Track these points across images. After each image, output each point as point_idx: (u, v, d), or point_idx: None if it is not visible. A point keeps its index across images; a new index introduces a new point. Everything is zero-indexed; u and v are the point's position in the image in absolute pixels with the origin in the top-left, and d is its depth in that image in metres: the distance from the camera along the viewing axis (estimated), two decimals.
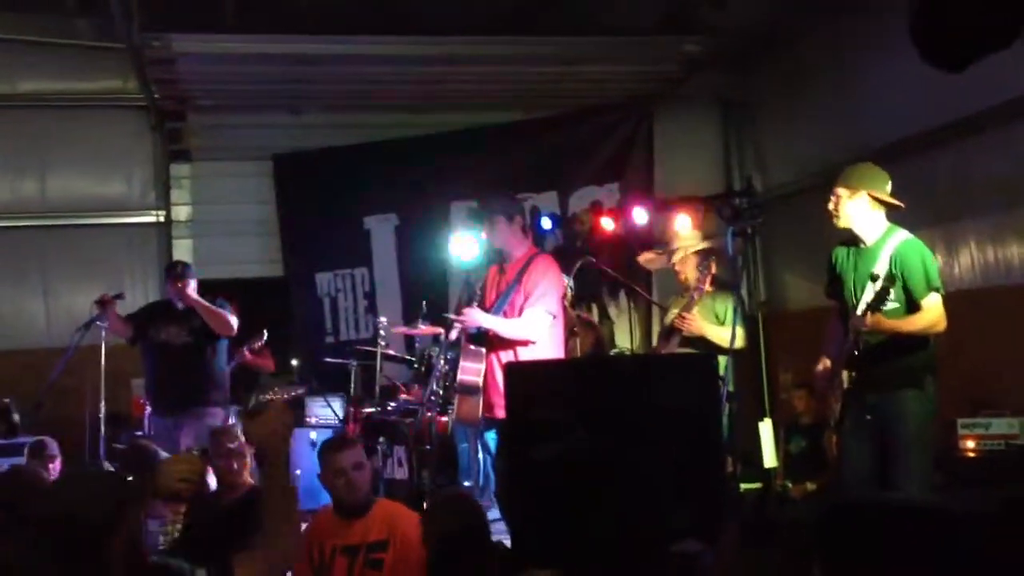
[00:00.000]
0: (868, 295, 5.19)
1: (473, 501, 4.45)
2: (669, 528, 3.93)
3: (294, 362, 10.16)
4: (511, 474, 4.59)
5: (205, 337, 7.53)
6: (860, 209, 5.35)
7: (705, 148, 10.56)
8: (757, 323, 6.45)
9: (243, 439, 5.46)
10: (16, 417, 4.96)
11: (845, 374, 5.40)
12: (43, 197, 9.67)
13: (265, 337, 8.89)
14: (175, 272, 7.66)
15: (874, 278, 5.07)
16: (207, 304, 7.46)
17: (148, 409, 7.85)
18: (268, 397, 3.17)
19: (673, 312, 6.71)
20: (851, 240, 5.51)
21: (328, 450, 4.86)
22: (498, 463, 5.97)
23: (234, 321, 7.57)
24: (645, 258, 7.77)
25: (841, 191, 5.36)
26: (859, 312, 5.14)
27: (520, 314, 6.05)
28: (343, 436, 5.34)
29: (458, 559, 4.02)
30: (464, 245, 8.47)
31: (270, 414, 3.08)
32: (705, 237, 7.05)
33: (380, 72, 9.22)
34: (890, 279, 5.05)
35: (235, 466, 5.37)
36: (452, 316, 6.21)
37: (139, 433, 7.95)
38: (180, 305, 7.58)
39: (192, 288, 7.58)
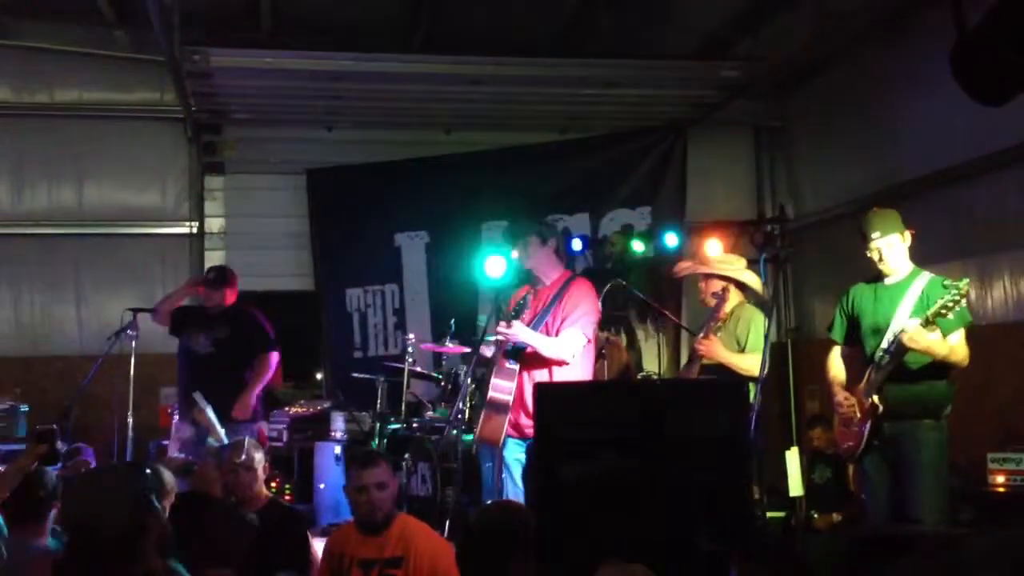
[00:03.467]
0: (909, 325, 5.21)
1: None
2: (696, 553, 3.91)
3: (319, 375, 10.21)
4: (538, 494, 4.58)
5: (231, 350, 7.41)
6: (905, 250, 5.47)
7: (738, 174, 10.55)
8: (786, 351, 6.38)
9: (253, 454, 5.46)
10: (60, 445, 4.99)
11: (858, 404, 5.41)
12: (79, 206, 9.77)
13: None
14: (207, 279, 7.68)
15: (947, 287, 5.06)
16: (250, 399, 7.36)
17: (175, 417, 7.83)
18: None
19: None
20: (874, 278, 5.59)
21: (353, 464, 4.79)
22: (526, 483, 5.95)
23: (273, 358, 7.49)
24: (680, 266, 7.61)
25: (895, 237, 5.41)
26: (917, 321, 5.11)
27: (557, 335, 6.02)
28: (370, 452, 5.24)
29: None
30: (494, 265, 8.47)
31: None
32: (749, 265, 6.85)
33: (415, 90, 9.26)
34: (958, 289, 5.03)
35: (243, 480, 5.39)
36: (499, 328, 6.10)
37: (164, 443, 7.97)
38: (213, 311, 7.56)
39: (227, 294, 7.57)
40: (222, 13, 8.66)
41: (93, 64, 9.64)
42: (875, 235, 5.41)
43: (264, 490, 5.47)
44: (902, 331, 5.17)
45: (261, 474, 5.45)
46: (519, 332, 5.94)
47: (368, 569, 4.55)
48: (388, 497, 4.70)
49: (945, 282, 5.15)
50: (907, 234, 5.45)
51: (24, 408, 8.53)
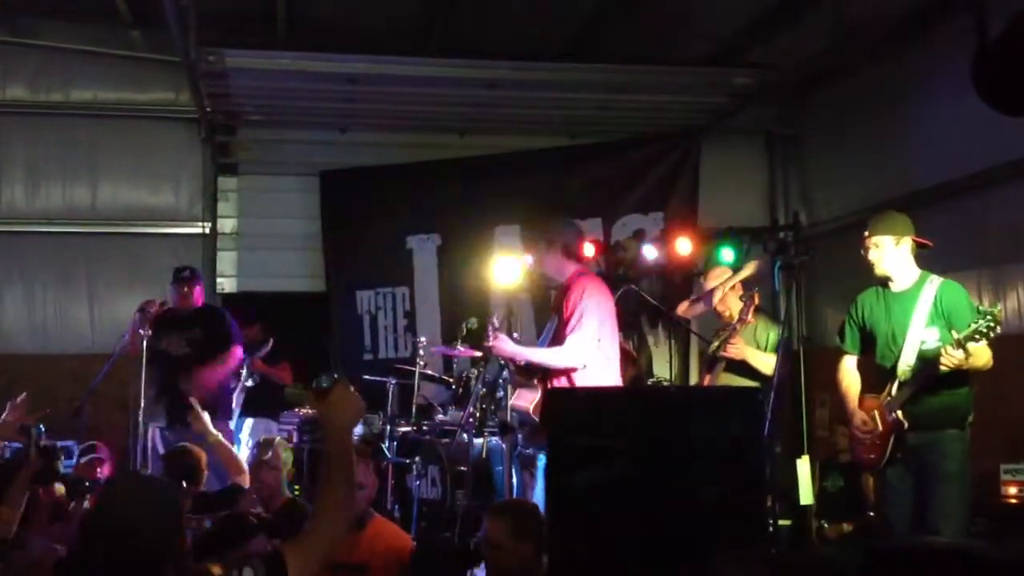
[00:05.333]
0: (927, 335, 5.22)
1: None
2: (706, 562, 3.90)
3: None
4: (549, 499, 4.58)
5: (205, 349, 7.44)
6: (903, 255, 5.43)
7: (751, 180, 10.53)
8: (798, 358, 6.40)
9: (280, 453, 5.51)
10: (42, 441, 4.96)
11: (879, 416, 5.39)
12: (93, 205, 9.80)
13: (271, 345, 8.89)
14: (181, 278, 7.71)
15: (982, 314, 4.99)
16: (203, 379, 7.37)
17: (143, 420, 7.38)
18: (333, 376, 3.07)
19: (716, 343, 6.73)
20: (881, 285, 5.55)
21: None
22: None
23: (234, 355, 7.54)
24: (683, 309, 7.80)
25: (884, 239, 5.41)
26: (950, 346, 5.06)
27: (561, 341, 5.91)
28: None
29: None
30: (505, 269, 8.49)
31: (339, 392, 3.04)
32: (735, 268, 7.05)
33: (429, 93, 9.26)
34: (992, 316, 4.98)
35: (266, 479, 5.43)
36: (485, 344, 6.12)
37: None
38: (184, 312, 7.62)
39: (197, 294, 7.67)
40: (238, 14, 8.68)
41: (109, 64, 9.67)
42: (865, 232, 5.46)
43: (285, 490, 5.51)
44: (937, 355, 5.10)
45: (283, 475, 5.48)
46: (504, 347, 5.90)
47: (334, 573, 4.39)
48: (364, 498, 4.59)
49: (980, 307, 5.06)
50: (905, 240, 5.40)
51: None
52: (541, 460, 6.05)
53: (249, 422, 8.82)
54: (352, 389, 3.06)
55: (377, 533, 4.59)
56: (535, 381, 5.98)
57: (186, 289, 7.62)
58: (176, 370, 7.39)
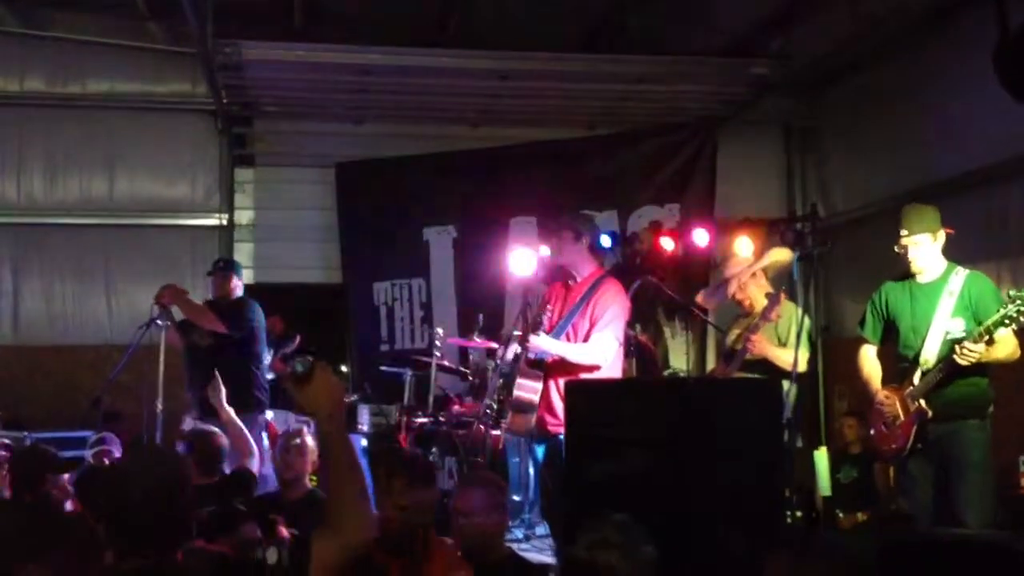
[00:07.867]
0: (952, 325, 5.20)
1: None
2: (724, 552, 3.91)
3: (344, 368, 10.23)
4: (566, 491, 4.59)
5: (230, 338, 7.40)
6: (937, 249, 5.41)
7: (768, 172, 10.50)
8: (816, 350, 6.38)
9: (307, 440, 5.55)
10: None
11: (900, 406, 5.36)
12: (110, 196, 9.86)
13: (297, 342, 8.88)
14: (216, 268, 7.76)
15: (1012, 298, 4.95)
16: (192, 303, 7.41)
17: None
18: (309, 360, 2.85)
19: (734, 334, 6.68)
20: (905, 276, 5.52)
21: (401, 474, 4.07)
22: (544, 476, 5.96)
23: (216, 323, 7.36)
24: (700, 299, 7.75)
25: (924, 237, 5.36)
26: (973, 339, 5.03)
27: (586, 339, 5.90)
28: (428, 466, 4.34)
29: None
30: (522, 260, 8.48)
31: (319, 376, 2.82)
32: (755, 257, 6.99)
33: (444, 84, 9.27)
34: (1023, 300, 4.93)
35: (293, 462, 5.48)
36: (517, 342, 6.10)
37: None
38: (218, 303, 7.61)
39: (234, 285, 7.66)
40: (255, 6, 8.69)
41: (125, 56, 9.71)
42: (903, 232, 5.38)
43: (307, 481, 5.55)
44: (956, 348, 5.07)
45: (309, 463, 5.52)
46: (542, 345, 5.86)
47: None
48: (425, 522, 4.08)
49: (1011, 292, 5.04)
50: (940, 233, 5.39)
51: None
52: (540, 450, 6.08)
53: (269, 414, 8.83)
54: (331, 372, 2.77)
55: (438, 561, 4.05)
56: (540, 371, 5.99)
57: (220, 280, 7.67)
58: (204, 361, 7.30)
